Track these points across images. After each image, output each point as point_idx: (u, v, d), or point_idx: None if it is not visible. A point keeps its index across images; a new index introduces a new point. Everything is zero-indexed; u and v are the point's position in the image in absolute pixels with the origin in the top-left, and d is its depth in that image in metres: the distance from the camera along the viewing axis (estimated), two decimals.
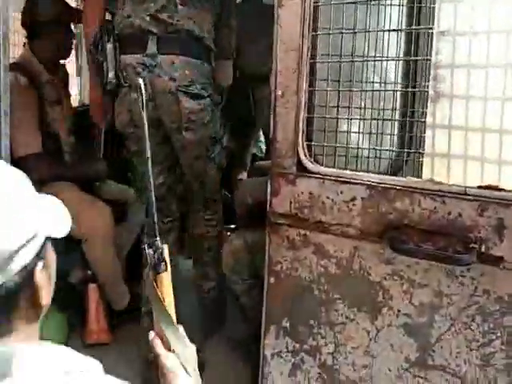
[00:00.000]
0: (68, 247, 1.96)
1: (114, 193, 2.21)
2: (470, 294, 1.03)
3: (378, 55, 1.09)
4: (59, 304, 1.90)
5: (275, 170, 1.15)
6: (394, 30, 1.04)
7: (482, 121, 0.91)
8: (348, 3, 1.04)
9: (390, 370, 1.16)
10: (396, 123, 1.21)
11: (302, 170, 1.12)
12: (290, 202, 1.15)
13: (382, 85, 1.15)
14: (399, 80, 1.19)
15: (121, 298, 2.09)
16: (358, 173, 1.06)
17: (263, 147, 3.00)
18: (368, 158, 1.18)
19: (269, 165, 2.76)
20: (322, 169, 1.10)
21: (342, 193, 1.09)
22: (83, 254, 1.98)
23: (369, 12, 1.11)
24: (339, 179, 1.08)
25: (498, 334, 1.02)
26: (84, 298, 1.98)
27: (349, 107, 1.15)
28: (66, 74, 2.32)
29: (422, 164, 1.12)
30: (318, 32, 1.04)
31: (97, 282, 1.99)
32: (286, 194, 1.15)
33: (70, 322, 1.97)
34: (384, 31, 1.02)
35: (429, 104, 0.94)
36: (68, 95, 2.30)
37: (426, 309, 1.08)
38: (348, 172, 1.07)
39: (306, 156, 1.10)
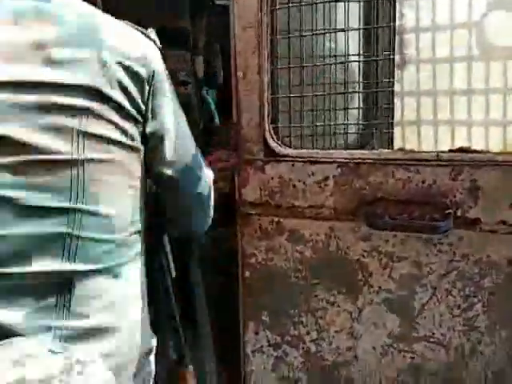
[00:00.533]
0: None
1: None
2: (448, 261, 1.03)
3: (338, 27, 1.05)
4: None
5: (242, 157, 1.08)
6: None
7: (450, 84, 0.90)
8: None
9: (374, 349, 1.14)
10: (360, 96, 1.18)
11: (271, 154, 1.06)
12: (260, 190, 1.10)
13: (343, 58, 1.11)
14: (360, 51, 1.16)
15: None
16: (328, 151, 1.02)
17: None
18: (335, 134, 1.14)
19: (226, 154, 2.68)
20: (291, 151, 1.05)
21: (313, 174, 1.05)
22: None
23: None
24: (309, 160, 1.04)
25: (479, 297, 1.03)
26: None
27: (312, 84, 1.11)
28: None
29: (390, 134, 1.10)
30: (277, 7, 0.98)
31: None
32: (256, 182, 1.09)
33: None
34: (343, 1, 0.99)
35: (396, 71, 0.92)
36: None
37: (407, 281, 1.07)
38: (318, 151, 1.03)
39: (273, 139, 1.04)
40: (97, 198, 0.77)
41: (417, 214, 0.98)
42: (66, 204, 0.75)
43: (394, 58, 1.03)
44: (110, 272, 0.79)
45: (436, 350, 1.09)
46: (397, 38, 0.90)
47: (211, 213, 0.97)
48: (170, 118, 0.86)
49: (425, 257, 1.04)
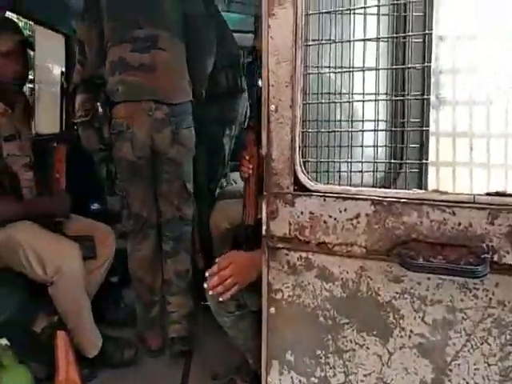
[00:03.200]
0: (31, 292, 1.77)
1: (80, 228, 2.03)
2: (484, 307, 0.99)
3: (367, 65, 1.05)
4: (24, 357, 1.71)
5: (271, 190, 1.08)
6: (386, 38, 1.01)
7: (487, 126, 0.89)
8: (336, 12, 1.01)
9: None
10: (385, 135, 1.17)
11: (301, 188, 1.05)
12: (290, 224, 1.08)
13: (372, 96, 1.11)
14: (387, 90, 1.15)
15: (93, 343, 1.91)
16: (361, 188, 1.01)
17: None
18: (362, 171, 1.13)
19: (236, 189, 2.70)
20: (322, 186, 1.04)
21: (345, 210, 1.03)
22: (48, 299, 1.79)
23: (352, 22, 1.09)
24: (341, 196, 1.02)
25: None
26: (52, 348, 1.78)
27: (340, 121, 1.11)
28: (27, 103, 2.15)
29: (419, 175, 1.08)
30: (310, 43, 0.99)
31: (65, 328, 1.81)
32: (285, 216, 1.08)
33: (38, 376, 1.76)
34: (377, 40, 0.99)
35: (431, 111, 0.91)
36: (28, 126, 2.12)
37: (440, 326, 1.03)
38: (351, 188, 1.02)
39: (303, 174, 1.04)
40: None
41: (453, 257, 0.95)
42: None
43: (425, 99, 1.02)
44: None
45: None
46: (433, 78, 0.90)
47: None
48: None
49: (459, 302, 1.00)
